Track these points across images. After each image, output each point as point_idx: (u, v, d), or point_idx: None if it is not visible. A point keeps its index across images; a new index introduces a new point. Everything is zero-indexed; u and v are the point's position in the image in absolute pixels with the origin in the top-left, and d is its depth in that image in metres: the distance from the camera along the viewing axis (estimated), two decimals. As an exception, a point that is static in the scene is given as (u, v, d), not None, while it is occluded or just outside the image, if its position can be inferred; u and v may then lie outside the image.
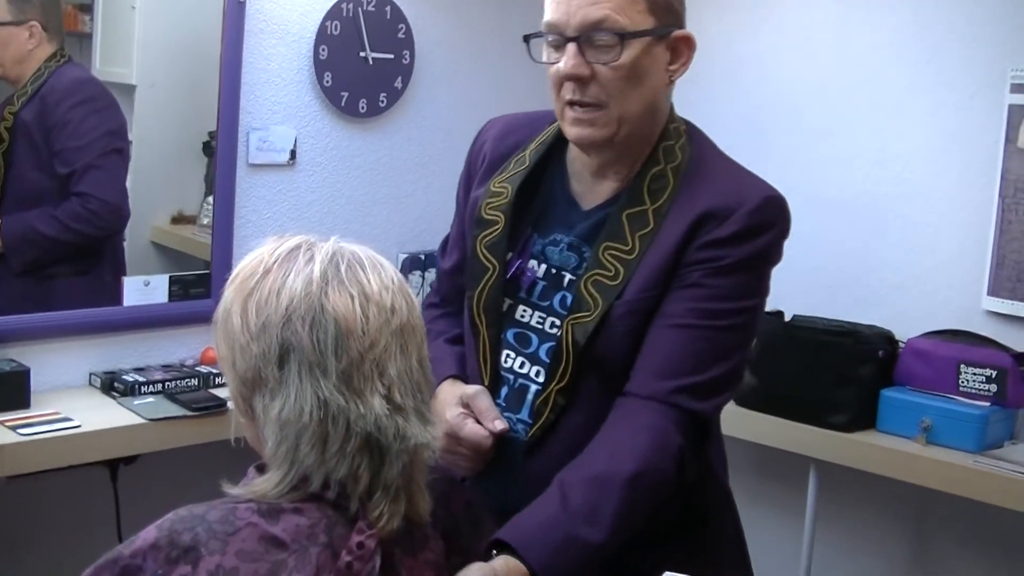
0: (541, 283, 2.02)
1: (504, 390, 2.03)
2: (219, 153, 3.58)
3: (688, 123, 2.06)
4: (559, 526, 1.76)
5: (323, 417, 1.45)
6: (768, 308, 3.58)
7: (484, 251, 2.04)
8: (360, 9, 3.81)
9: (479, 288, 2.03)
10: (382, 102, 3.94)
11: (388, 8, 3.89)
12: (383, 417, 1.46)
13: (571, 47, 1.89)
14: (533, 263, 2.03)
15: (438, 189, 4.08)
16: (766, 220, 1.92)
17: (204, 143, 3.69)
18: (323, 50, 3.75)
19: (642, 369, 1.90)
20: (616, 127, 1.93)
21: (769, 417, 3.51)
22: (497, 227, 2.03)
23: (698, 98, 3.99)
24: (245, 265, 1.54)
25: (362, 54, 3.85)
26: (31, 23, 3.31)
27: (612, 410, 1.90)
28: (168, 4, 3.68)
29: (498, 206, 2.05)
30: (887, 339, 3.50)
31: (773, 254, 1.97)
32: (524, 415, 1.99)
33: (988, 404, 3.30)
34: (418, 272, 4.01)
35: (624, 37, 1.88)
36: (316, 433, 1.46)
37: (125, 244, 3.64)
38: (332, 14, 3.75)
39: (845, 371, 3.42)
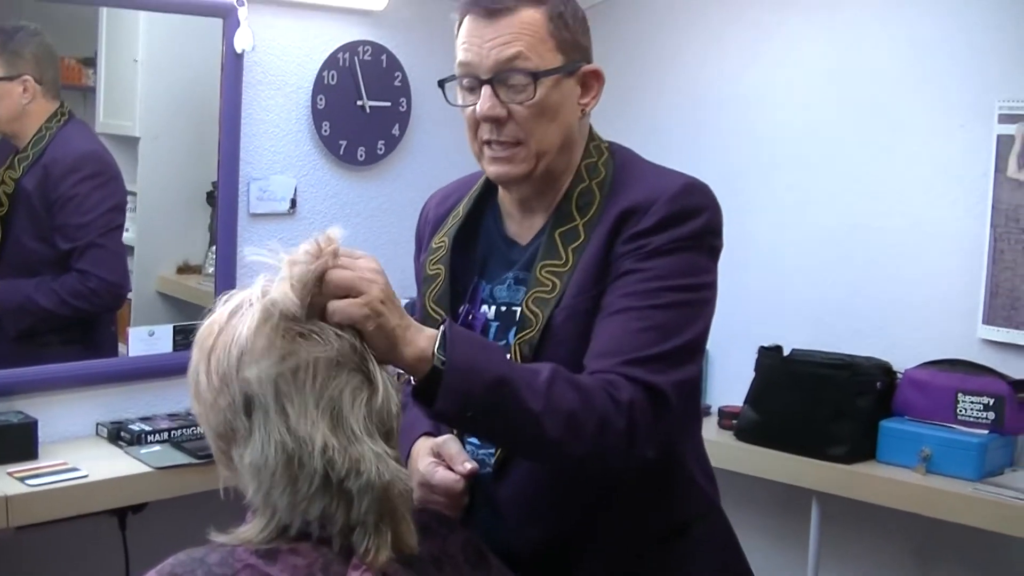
0: (494, 324, 2.03)
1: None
2: (220, 203, 3.62)
3: (611, 142, 2.10)
4: (492, 348, 1.81)
5: (286, 460, 1.49)
6: (766, 343, 3.65)
7: (432, 305, 2.07)
8: (356, 59, 3.87)
9: None
10: (380, 149, 3.99)
11: (384, 57, 3.95)
12: (332, 452, 1.49)
13: (486, 89, 1.93)
14: (484, 308, 2.05)
15: (438, 234, 4.12)
16: (689, 205, 1.94)
17: (208, 193, 3.73)
18: (321, 100, 3.80)
19: (592, 355, 1.88)
20: (535, 161, 1.97)
21: (770, 451, 3.53)
22: (439, 279, 2.08)
23: (697, 134, 4.06)
24: (204, 327, 1.60)
25: (359, 103, 3.90)
26: (24, 77, 3.35)
27: None
28: (169, 57, 3.74)
29: (438, 259, 2.09)
30: (885, 370, 3.52)
31: (706, 239, 1.96)
32: (492, 447, 2.01)
33: (987, 432, 3.31)
34: (420, 316, 4.04)
35: (536, 76, 1.92)
36: (284, 475, 1.49)
37: (131, 296, 3.68)
38: (328, 64, 3.81)
39: (844, 403, 3.44)
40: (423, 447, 2.00)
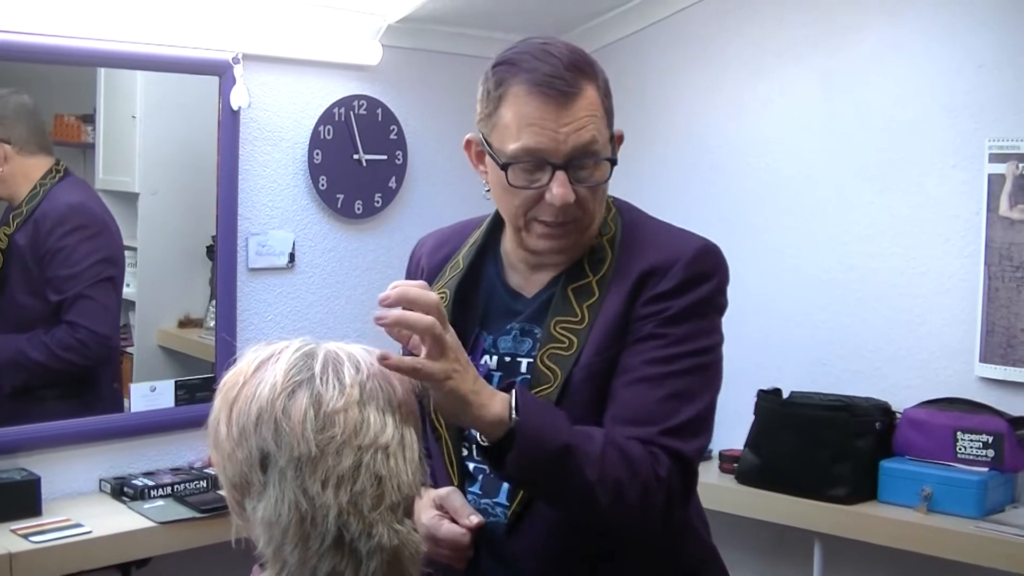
0: (496, 374, 2.03)
1: (479, 483, 2.04)
2: (219, 258, 3.64)
3: (613, 196, 2.08)
4: (561, 414, 1.84)
5: (299, 518, 1.49)
6: (765, 386, 3.66)
7: None
8: (352, 113, 3.90)
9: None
10: (377, 203, 4.01)
11: (379, 111, 3.98)
12: (346, 515, 1.49)
13: (561, 176, 1.89)
14: (486, 358, 2.05)
15: (436, 284, 4.13)
16: (704, 269, 1.97)
17: (208, 247, 3.76)
18: (317, 154, 3.83)
19: (617, 420, 1.90)
20: (582, 235, 1.98)
21: (771, 494, 3.53)
22: None
23: (691, 179, 4.09)
24: (229, 375, 1.59)
25: (355, 156, 3.93)
26: None
27: None
28: (167, 114, 3.77)
29: None
30: (883, 411, 3.53)
31: (717, 300, 2.00)
32: (501, 499, 2.01)
33: (986, 470, 3.32)
34: (420, 366, 4.04)
35: (613, 162, 1.94)
36: (297, 533, 1.49)
37: (132, 350, 3.70)
38: (324, 119, 3.84)
39: (844, 444, 3.45)
40: (425, 499, 1.98)
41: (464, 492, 2.02)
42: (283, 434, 1.49)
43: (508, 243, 2.08)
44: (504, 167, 1.92)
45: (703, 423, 1.96)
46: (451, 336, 1.73)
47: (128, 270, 3.70)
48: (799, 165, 3.90)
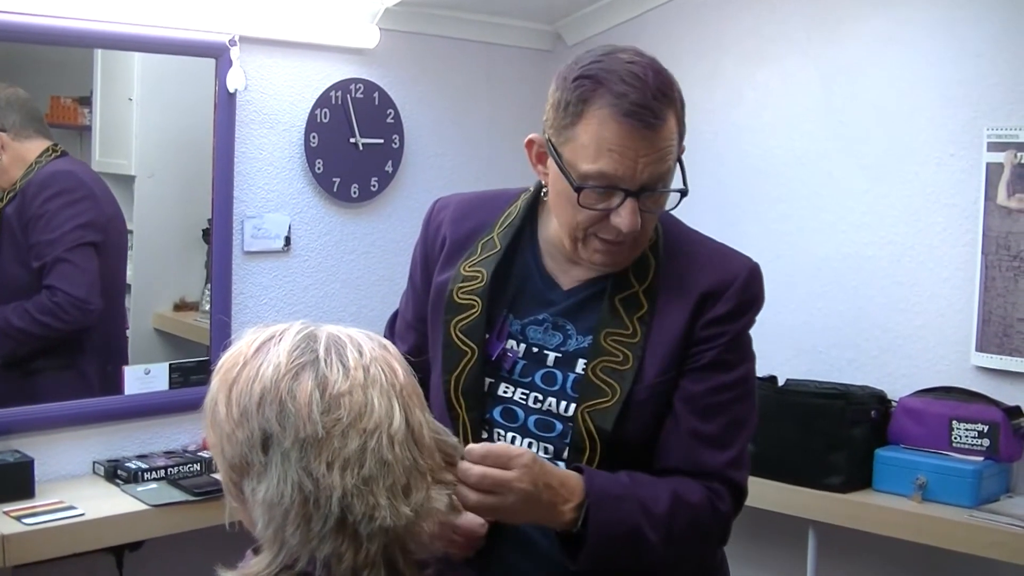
0: (521, 362, 2.03)
1: None
2: (214, 241, 3.63)
3: None
4: (627, 487, 1.88)
5: (303, 499, 1.48)
6: (761, 374, 3.65)
7: (460, 335, 2.04)
8: (348, 96, 3.89)
9: (456, 372, 2.03)
10: (374, 186, 4.01)
11: (376, 94, 3.97)
12: (350, 497, 1.48)
13: (631, 204, 1.88)
14: (512, 343, 2.04)
15: (432, 269, 4.13)
16: (754, 293, 2.03)
17: (204, 231, 3.75)
18: (314, 138, 3.82)
19: (683, 448, 1.96)
20: (636, 252, 2.00)
21: (766, 481, 3.52)
22: (473, 311, 2.04)
23: (689, 166, 4.07)
24: (228, 356, 1.58)
25: (352, 140, 3.92)
26: None
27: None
28: (163, 96, 3.76)
29: (473, 290, 2.05)
30: (879, 399, 3.53)
31: (755, 316, 2.06)
32: None
33: (981, 459, 3.32)
34: (415, 351, 4.04)
35: (684, 193, 1.94)
36: (299, 514, 1.48)
37: (128, 333, 3.69)
38: (321, 102, 3.83)
39: (839, 433, 3.44)
40: None
41: None
42: (288, 415, 1.49)
43: (551, 231, 2.06)
44: (578, 189, 1.89)
45: (748, 443, 2.04)
46: (528, 482, 1.78)
47: (128, 254, 3.69)
48: (796, 153, 3.90)
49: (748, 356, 2.05)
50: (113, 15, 3.33)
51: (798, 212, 3.88)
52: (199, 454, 3.48)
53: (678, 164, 1.95)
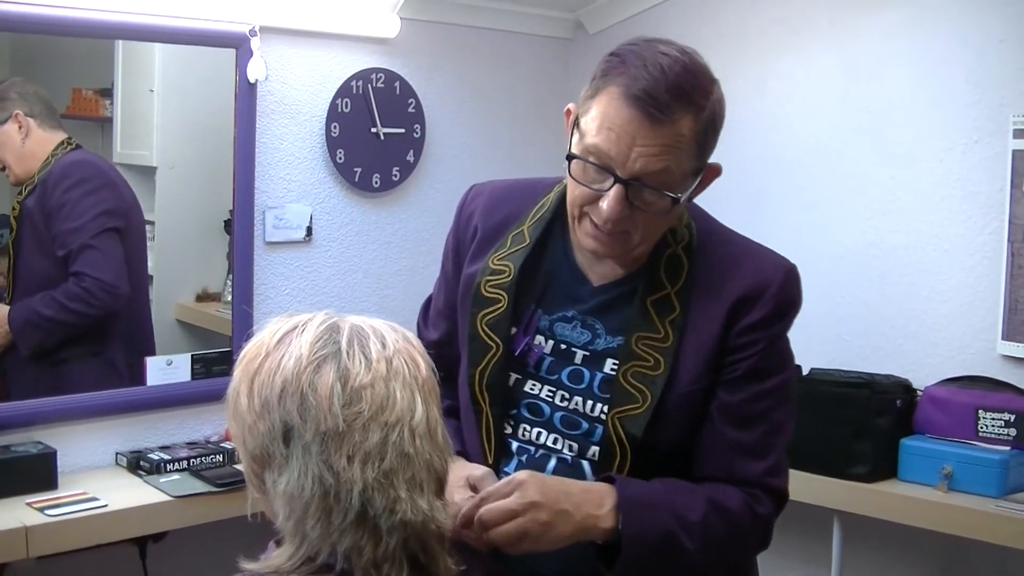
0: (548, 358, 2.01)
1: (515, 461, 2.02)
2: (236, 232, 3.63)
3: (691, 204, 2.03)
4: (661, 495, 1.87)
5: (323, 492, 1.47)
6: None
7: (485, 329, 2.02)
8: (369, 86, 3.89)
9: (481, 366, 2.02)
10: (395, 176, 4.00)
11: (397, 84, 3.96)
12: (370, 490, 1.47)
13: (617, 191, 1.83)
14: (540, 339, 2.01)
15: (454, 259, 4.12)
16: (791, 296, 1.98)
17: (225, 222, 3.75)
18: (335, 127, 3.82)
19: (721, 458, 1.94)
20: (628, 253, 1.95)
21: (791, 471, 3.49)
22: (500, 305, 2.01)
23: (712, 155, 4.06)
24: (251, 346, 1.57)
25: (373, 130, 3.91)
26: (15, 113, 3.41)
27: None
28: (184, 87, 3.76)
29: (500, 284, 2.02)
30: (904, 388, 3.51)
31: (793, 319, 2.01)
32: None
33: (1008, 448, 3.30)
34: (437, 342, 4.04)
35: (676, 201, 1.86)
36: (320, 507, 1.47)
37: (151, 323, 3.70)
38: (342, 92, 3.83)
39: (864, 422, 3.42)
40: (458, 475, 1.96)
41: (497, 470, 2.00)
42: (309, 408, 1.48)
43: None
44: (569, 158, 1.87)
45: (785, 446, 2.01)
46: (535, 492, 1.79)
47: (147, 244, 3.70)
48: (820, 142, 3.88)
49: (786, 361, 2.01)
50: (134, 6, 3.33)
51: (822, 201, 3.86)
52: (221, 445, 3.48)
53: (694, 179, 1.90)
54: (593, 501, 1.82)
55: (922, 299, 3.64)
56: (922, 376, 3.56)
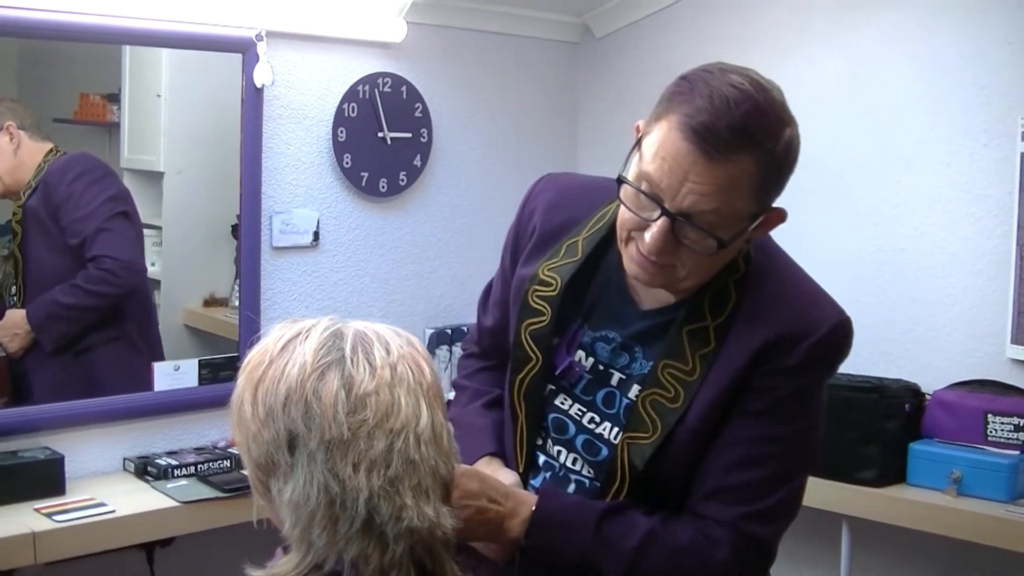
0: (586, 377, 1.95)
1: (541, 477, 2.00)
2: (243, 236, 3.64)
3: None
4: (588, 515, 1.83)
5: (329, 501, 1.47)
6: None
7: (529, 340, 1.98)
8: (376, 91, 3.89)
9: (521, 376, 1.98)
10: (402, 181, 4.00)
11: (404, 88, 3.96)
12: (376, 498, 1.47)
13: (662, 224, 1.74)
14: (580, 354, 1.96)
15: (461, 264, 4.13)
16: (831, 350, 1.87)
17: (232, 226, 3.75)
18: (342, 132, 3.82)
19: (705, 493, 1.85)
20: (674, 287, 1.86)
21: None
22: (543, 319, 1.96)
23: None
24: (254, 353, 1.56)
25: (380, 134, 3.91)
26: (6, 124, 3.42)
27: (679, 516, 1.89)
28: (191, 93, 3.77)
29: (546, 296, 1.97)
30: (913, 392, 3.50)
31: (832, 375, 1.92)
32: None
33: (1017, 453, 3.28)
34: (445, 347, 4.04)
35: (722, 245, 1.75)
36: (326, 515, 1.47)
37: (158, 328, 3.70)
38: (349, 96, 3.83)
39: (872, 426, 3.41)
40: (497, 467, 1.98)
41: (525, 482, 1.99)
42: (313, 416, 1.47)
43: None
44: (619, 181, 1.79)
45: (794, 502, 1.89)
46: (470, 482, 1.80)
47: (153, 249, 3.70)
48: (826, 144, 3.86)
49: (810, 414, 1.88)
50: (141, 11, 3.33)
51: (829, 204, 3.85)
52: (229, 450, 3.48)
53: (750, 222, 1.80)
54: (509, 509, 1.79)
55: (930, 303, 3.63)
56: (930, 380, 3.54)
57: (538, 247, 2.03)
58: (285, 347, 1.54)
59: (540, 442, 2.00)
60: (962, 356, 3.56)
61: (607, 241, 1.96)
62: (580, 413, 1.96)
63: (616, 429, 1.92)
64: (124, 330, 3.61)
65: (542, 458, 2.00)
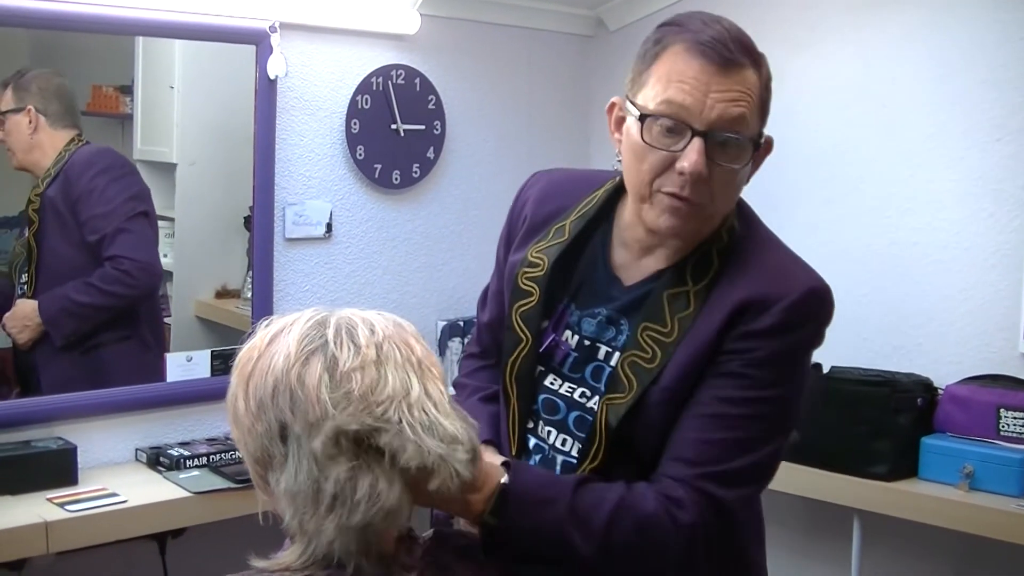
0: (573, 354, 1.97)
1: (531, 460, 2.00)
2: (256, 228, 3.64)
3: (740, 201, 1.97)
4: (557, 490, 1.79)
5: (318, 488, 1.48)
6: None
7: (519, 321, 2.00)
8: (390, 82, 3.89)
9: (512, 357, 2.00)
10: (415, 173, 4.00)
11: (417, 80, 3.96)
12: (350, 481, 1.48)
13: (698, 143, 1.78)
14: (567, 334, 1.98)
15: (474, 256, 4.13)
16: (806, 314, 1.86)
17: (245, 218, 3.76)
18: (355, 124, 3.82)
19: (670, 454, 1.84)
20: (703, 223, 1.88)
21: (811, 469, 3.49)
22: (532, 299, 1.99)
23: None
24: (245, 350, 1.58)
25: (393, 126, 3.91)
26: (27, 107, 3.43)
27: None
28: (205, 84, 3.77)
29: (534, 277, 2.00)
30: (925, 387, 3.49)
31: (812, 344, 1.91)
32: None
33: (1029, 448, 3.29)
34: (457, 339, 4.04)
35: (756, 146, 1.85)
36: (318, 503, 1.49)
37: (170, 320, 3.70)
38: (362, 88, 3.83)
39: (884, 420, 3.41)
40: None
41: None
42: (298, 402, 1.49)
43: (628, 215, 1.97)
44: (642, 118, 1.82)
45: (761, 470, 1.88)
46: None
47: (165, 241, 3.71)
48: (838, 139, 3.86)
49: (787, 381, 1.86)
50: (154, 2, 3.34)
51: (842, 198, 3.85)
52: (241, 441, 3.48)
53: (759, 141, 1.87)
54: (476, 481, 1.69)
55: (943, 297, 3.63)
56: (943, 374, 3.54)
57: (528, 233, 2.07)
58: (272, 341, 1.56)
59: (531, 425, 2.01)
60: (975, 350, 3.55)
61: (594, 223, 2.01)
62: (571, 390, 1.98)
63: (598, 398, 1.93)
64: (136, 330, 3.61)
65: (533, 441, 2.01)
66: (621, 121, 1.92)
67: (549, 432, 1.99)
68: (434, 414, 1.53)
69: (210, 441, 3.50)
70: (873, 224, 3.78)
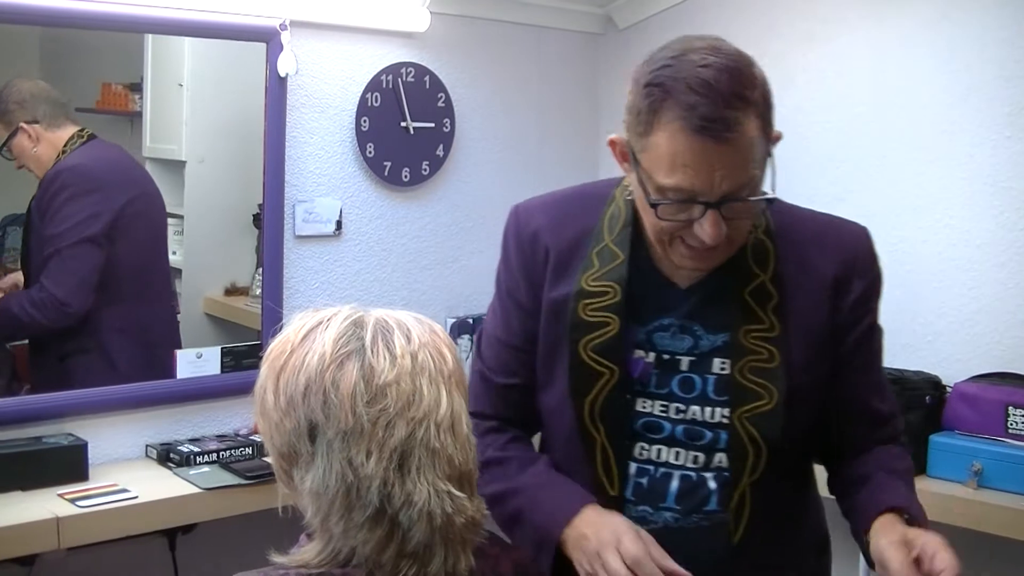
0: (655, 372, 1.94)
1: (633, 484, 1.96)
2: (266, 225, 3.64)
3: None
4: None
5: (345, 489, 1.48)
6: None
7: (592, 355, 1.93)
8: (399, 80, 3.89)
9: (591, 396, 1.93)
10: (425, 170, 4.00)
11: (427, 78, 3.96)
12: (391, 486, 1.47)
13: (712, 215, 1.77)
14: (640, 353, 1.95)
15: (484, 254, 4.12)
16: (873, 256, 2.06)
17: (254, 215, 3.76)
18: (364, 121, 3.82)
19: (864, 425, 2.08)
20: (728, 255, 1.90)
21: (819, 467, 3.48)
22: (608, 329, 1.93)
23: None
24: (276, 343, 1.58)
25: (403, 124, 3.92)
26: (20, 126, 3.41)
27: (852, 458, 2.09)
28: (214, 82, 3.77)
29: (606, 306, 1.93)
30: (934, 384, 3.49)
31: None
32: (670, 502, 1.95)
33: (1038, 445, 3.29)
34: (467, 336, 4.05)
35: (771, 202, 1.88)
36: (343, 504, 1.48)
37: (179, 317, 3.71)
38: (372, 86, 3.83)
39: (893, 418, 3.41)
40: (613, 529, 1.85)
41: (621, 501, 1.95)
42: (332, 406, 1.48)
43: None
44: (654, 205, 1.80)
45: None
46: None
47: (175, 238, 3.72)
48: (848, 135, 3.85)
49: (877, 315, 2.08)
50: (163, 0, 3.34)
51: (851, 195, 3.84)
52: (251, 438, 3.49)
53: (769, 159, 1.86)
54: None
55: (952, 295, 3.62)
56: (951, 372, 3.54)
57: (561, 265, 2.00)
58: (306, 336, 1.55)
59: (629, 453, 1.96)
60: (984, 349, 3.55)
61: (635, 238, 1.97)
62: (664, 408, 1.95)
63: (710, 409, 1.93)
64: (98, 344, 3.52)
65: (633, 466, 1.97)
66: (626, 156, 1.87)
67: (659, 450, 1.96)
68: (451, 443, 1.52)
69: (220, 437, 3.51)
70: (883, 221, 3.74)
